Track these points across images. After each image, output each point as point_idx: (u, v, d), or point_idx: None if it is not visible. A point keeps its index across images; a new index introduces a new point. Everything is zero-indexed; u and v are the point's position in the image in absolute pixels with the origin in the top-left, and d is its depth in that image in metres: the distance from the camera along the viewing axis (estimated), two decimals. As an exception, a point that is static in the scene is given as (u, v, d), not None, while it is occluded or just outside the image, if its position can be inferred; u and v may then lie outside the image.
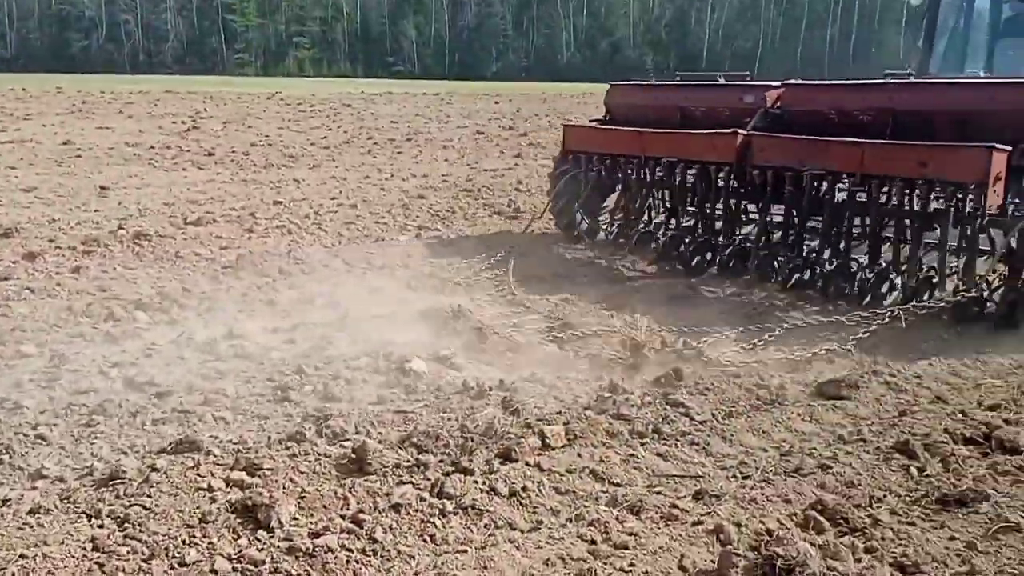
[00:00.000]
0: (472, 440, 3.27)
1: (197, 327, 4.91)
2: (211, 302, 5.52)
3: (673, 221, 6.88)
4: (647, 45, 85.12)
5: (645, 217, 7.03)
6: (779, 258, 5.88)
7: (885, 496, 2.92)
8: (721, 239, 6.42)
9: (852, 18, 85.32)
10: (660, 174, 6.71)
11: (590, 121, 8.08)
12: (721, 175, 6.29)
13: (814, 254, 5.82)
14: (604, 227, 7.58)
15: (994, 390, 4.01)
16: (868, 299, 5.32)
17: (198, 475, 2.92)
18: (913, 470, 3.10)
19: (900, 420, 3.59)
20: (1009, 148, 4.86)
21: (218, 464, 3.03)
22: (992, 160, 4.81)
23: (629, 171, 7.04)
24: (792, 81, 6.53)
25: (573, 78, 68.78)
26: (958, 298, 4.98)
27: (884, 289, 5.38)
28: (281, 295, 5.74)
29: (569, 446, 3.28)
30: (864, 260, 5.58)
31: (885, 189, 5.41)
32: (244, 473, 2.96)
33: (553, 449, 3.23)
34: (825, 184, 5.69)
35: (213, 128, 18.33)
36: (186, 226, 7.96)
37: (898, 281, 5.35)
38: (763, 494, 2.92)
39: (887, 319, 4.75)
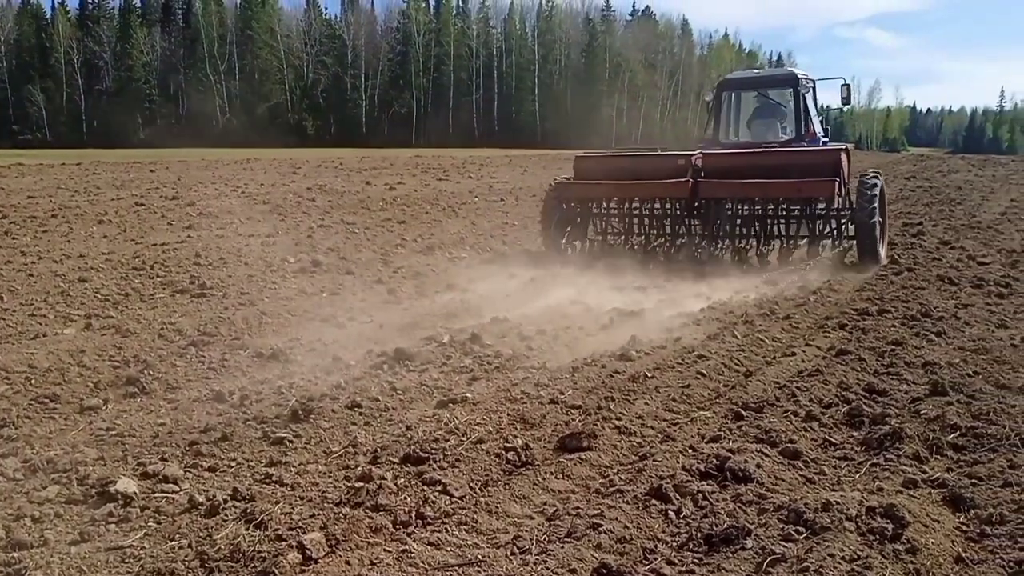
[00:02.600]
0: (218, 570, 2.79)
1: None
2: None
3: (637, 236, 10.68)
4: (306, 111, 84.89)
5: (616, 236, 10.81)
6: (699, 249, 10.10)
7: (656, 545, 2.99)
8: (668, 241, 10.45)
9: (493, 87, 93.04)
10: (633, 208, 10.67)
11: (563, 178, 11.17)
12: (677, 205, 10.31)
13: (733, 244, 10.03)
14: (569, 246, 10.71)
15: (707, 421, 4.38)
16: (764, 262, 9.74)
17: None
18: (671, 514, 3.23)
19: (643, 464, 3.74)
20: (837, 177, 9.33)
21: None
22: (835, 184, 9.28)
23: (608, 208, 10.79)
24: (704, 151, 10.63)
25: (231, 143, 66.21)
26: (835, 251, 9.68)
27: (770, 258, 9.82)
28: (-84, 420, 4.57)
29: (333, 553, 2.93)
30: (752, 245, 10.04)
31: (780, 205, 9.87)
32: None
33: (317, 561, 2.87)
34: (742, 206, 9.99)
35: None
36: None
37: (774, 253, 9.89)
38: (547, 568, 2.84)
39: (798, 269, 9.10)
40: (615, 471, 3.75)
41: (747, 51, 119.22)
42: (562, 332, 6.69)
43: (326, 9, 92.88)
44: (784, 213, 9.91)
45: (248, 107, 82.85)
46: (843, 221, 9.85)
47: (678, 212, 10.35)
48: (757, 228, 10.01)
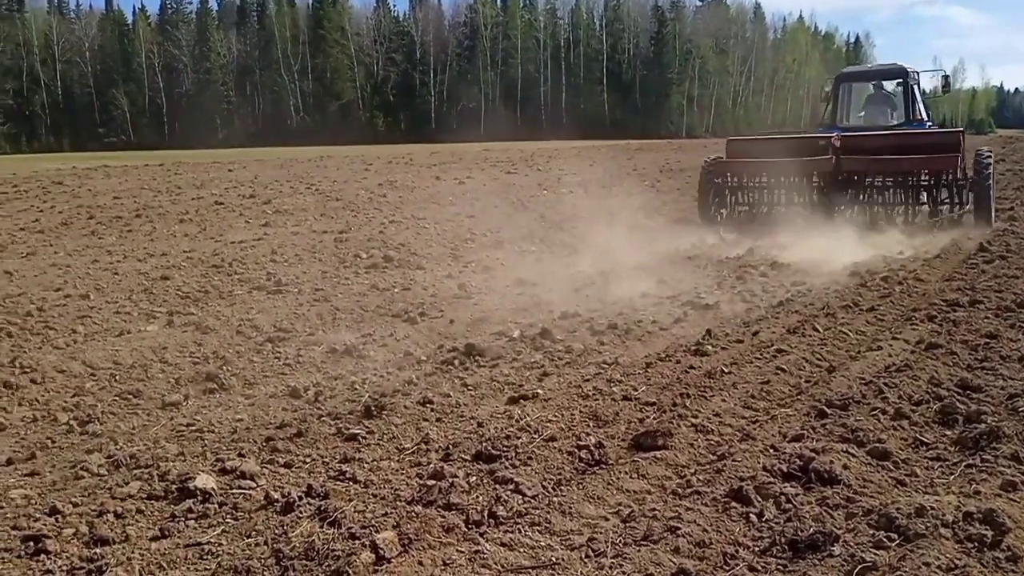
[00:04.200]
0: (293, 568, 2.80)
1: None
2: (-87, 437, 4.44)
3: (778, 206, 12.22)
4: (376, 108, 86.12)
5: (761, 206, 12.41)
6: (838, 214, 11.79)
7: (737, 551, 2.88)
8: (810, 209, 11.83)
9: (561, 78, 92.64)
10: (781, 180, 12.15)
11: (715, 157, 13.15)
12: (818, 179, 11.95)
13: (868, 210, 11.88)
14: (718, 214, 12.60)
15: (789, 419, 4.22)
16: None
17: None
18: (753, 517, 3.10)
19: (721, 464, 3.62)
20: (959, 153, 11.16)
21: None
22: (957, 158, 11.20)
23: (758, 182, 12.37)
24: (842, 134, 12.15)
25: (305, 142, 67.65)
26: (951, 215, 11.56)
27: (898, 221, 11.59)
28: (12, 415, 4.77)
29: (406, 553, 2.91)
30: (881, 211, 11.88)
31: (910, 177, 11.75)
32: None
33: (390, 561, 2.85)
34: (876, 178, 11.84)
35: None
36: None
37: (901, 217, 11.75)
38: (623, 572, 2.76)
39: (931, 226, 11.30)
40: (692, 471, 3.63)
41: (823, 34, 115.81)
42: (634, 326, 6.57)
43: (395, 6, 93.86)
44: (912, 183, 11.75)
45: (321, 105, 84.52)
46: (962, 189, 11.67)
47: (819, 184, 11.96)
48: (889, 196, 11.84)
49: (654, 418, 4.30)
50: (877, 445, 3.73)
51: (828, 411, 4.25)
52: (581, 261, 9.91)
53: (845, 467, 3.46)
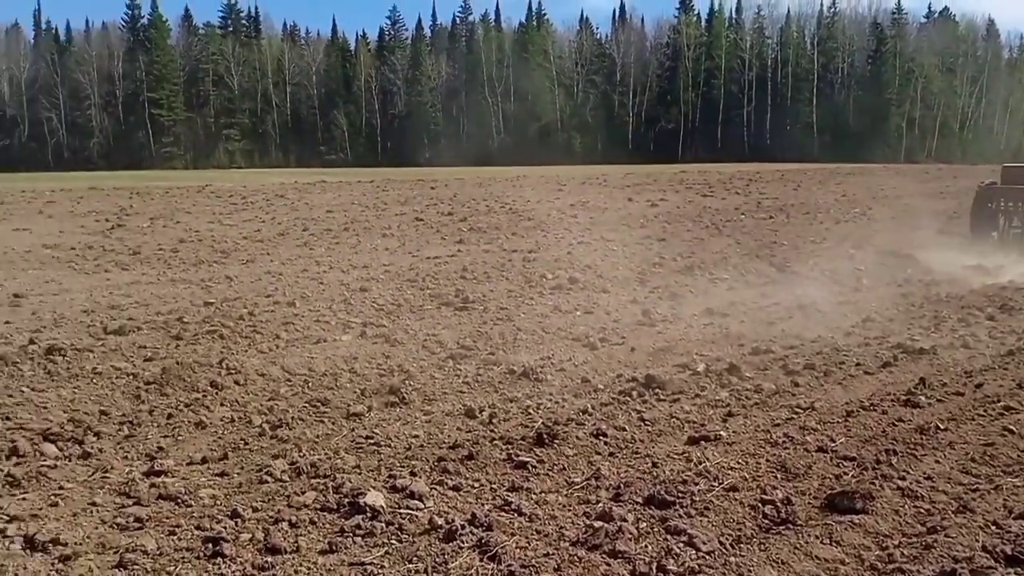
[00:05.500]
0: (449, 602, 2.71)
1: (113, 461, 4.25)
2: (131, 427, 4.86)
3: None
4: (574, 129, 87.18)
5: None
6: None
7: (949, 648, 2.46)
8: None
9: (766, 98, 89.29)
10: None
11: (990, 182, 13.41)
12: None
13: None
14: (990, 236, 12.88)
15: (1017, 492, 3.63)
16: None
17: None
18: (969, 608, 2.66)
19: (931, 539, 3.16)
20: None
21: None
22: None
23: None
24: None
25: (505, 162, 69.67)
26: None
27: None
28: (213, 414, 5.10)
29: (565, 601, 2.75)
30: None
31: None
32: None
33: (547, 608, 2.69)
34: None
35: (139, 225, 17.56)
36: (106, 336, 7.25)
37: None
38: (807, 655, 2.43)
39: None
40: (896, 543, 3.20)
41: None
42: (835, 368, 6.02)
43: (597, 28, 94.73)
44: None
45: (521, 127, 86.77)
46: None
47: None
48: None
49: (853, 476, 3.87)
50: None
51: (1069, 486, 3.62)
52: (778, 292, 9.33)
53: (1092, 560, 2.90)
